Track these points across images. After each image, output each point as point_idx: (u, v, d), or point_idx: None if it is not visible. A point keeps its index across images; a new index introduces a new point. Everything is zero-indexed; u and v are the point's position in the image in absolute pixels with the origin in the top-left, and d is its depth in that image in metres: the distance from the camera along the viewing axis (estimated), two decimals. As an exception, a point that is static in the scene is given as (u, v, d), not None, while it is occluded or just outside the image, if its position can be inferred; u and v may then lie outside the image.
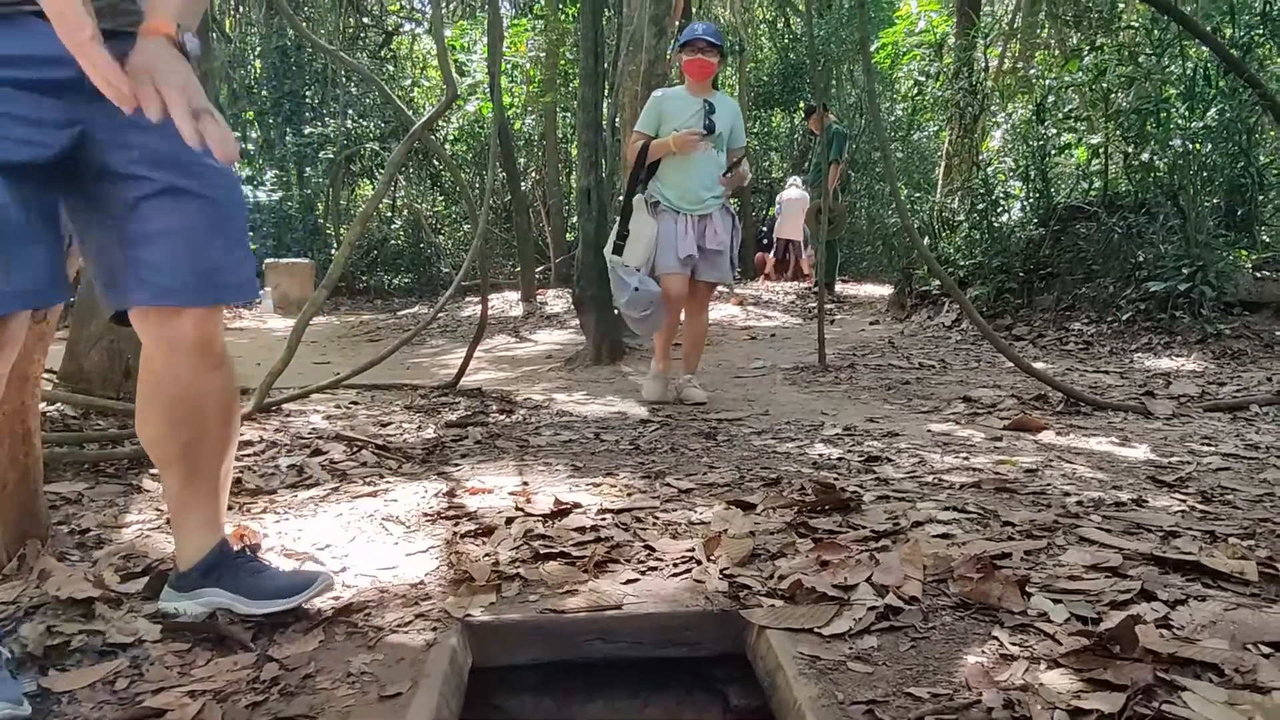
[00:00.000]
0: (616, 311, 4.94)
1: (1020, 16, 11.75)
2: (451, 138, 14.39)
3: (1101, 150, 6.88)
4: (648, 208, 4.05)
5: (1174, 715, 1.10)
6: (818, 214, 8.03)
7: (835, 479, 2.46)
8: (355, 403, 4.30)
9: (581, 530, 1.99)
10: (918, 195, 13.05)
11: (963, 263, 7.20)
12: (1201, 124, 6.05)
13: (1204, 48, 5.89)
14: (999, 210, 7.40)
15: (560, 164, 13.97)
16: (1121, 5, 8.07)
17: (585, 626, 1.52)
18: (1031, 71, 9.34)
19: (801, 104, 14.68)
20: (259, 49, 15.70)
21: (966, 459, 2.77)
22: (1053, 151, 7.25)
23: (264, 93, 15.16)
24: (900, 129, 14.19)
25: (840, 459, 2.82)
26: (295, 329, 3.67)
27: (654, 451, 3.07)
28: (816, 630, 1.42)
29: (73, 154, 1.29)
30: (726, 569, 1.71)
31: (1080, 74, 7.05)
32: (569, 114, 13.59)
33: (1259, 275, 5.72)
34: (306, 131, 14.30)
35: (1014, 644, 1.33)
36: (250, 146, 15.44)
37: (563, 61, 12.43)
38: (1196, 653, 1.24)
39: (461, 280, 5.24)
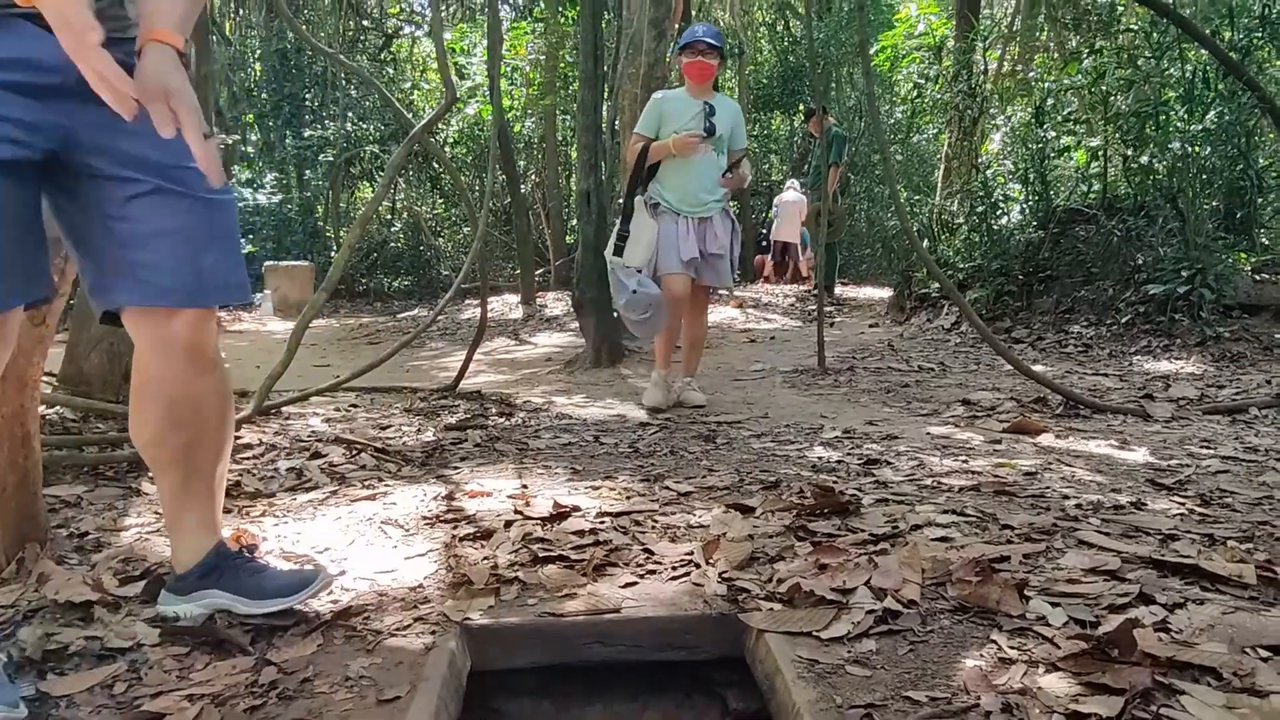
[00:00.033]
0: (616, 314, 4.93)
1: (1019, 19, 11.77)
2: (451, 140, 14.41)
3: (1100, 153, 6.88)
4: (647, 209, 4.04)
5: (1172, 719, 1.11)
6: (817, 217, 8.04)
7: (834, 482, 2.46)
8: (355, 405, 4.30)
9: (580, 533, 1.99)
10: (917, 198, 13.06)
11: (962, 265, 7.20)
12: (1200, 127, 6.06)
13: (1203, 51, 5.90)
14: (998, 213, 7.40)
15: (560, 167, 13.98)
16: (1120, 8, 8.08)
17: (584, 630, 1.52)
18: (1031, 74, 9.34)
19: (801, 107, 14.68)
20: (259, 52, 15.72)
21: (965, 462, 2.77)
22: (1052, 154, 7.26)
23: (264, 95, 15.18)
24: (900, 132, 14.20)
25: (839, 462, 2.82)
26: (295, 331, 3.67)
27: (653, 454, 3.07)
28: (815, 634, 1.42)
29: (58, 156, 1.29)
30: (725, 572, 1.71)
31: (1079, 77, 7.06)
32: (569, 117, 13.60)
33: (1258, 278, 5.72)
34: (306, 134, 14.31)
35: (1012, 647, 1.33)
36: (250, 149, 15.47)
37: (562, 64, 12.44)
38: (1195, 656, 1.24)
39: (461, 283, 5.24)
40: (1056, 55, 10.16)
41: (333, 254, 12.86)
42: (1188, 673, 1.21)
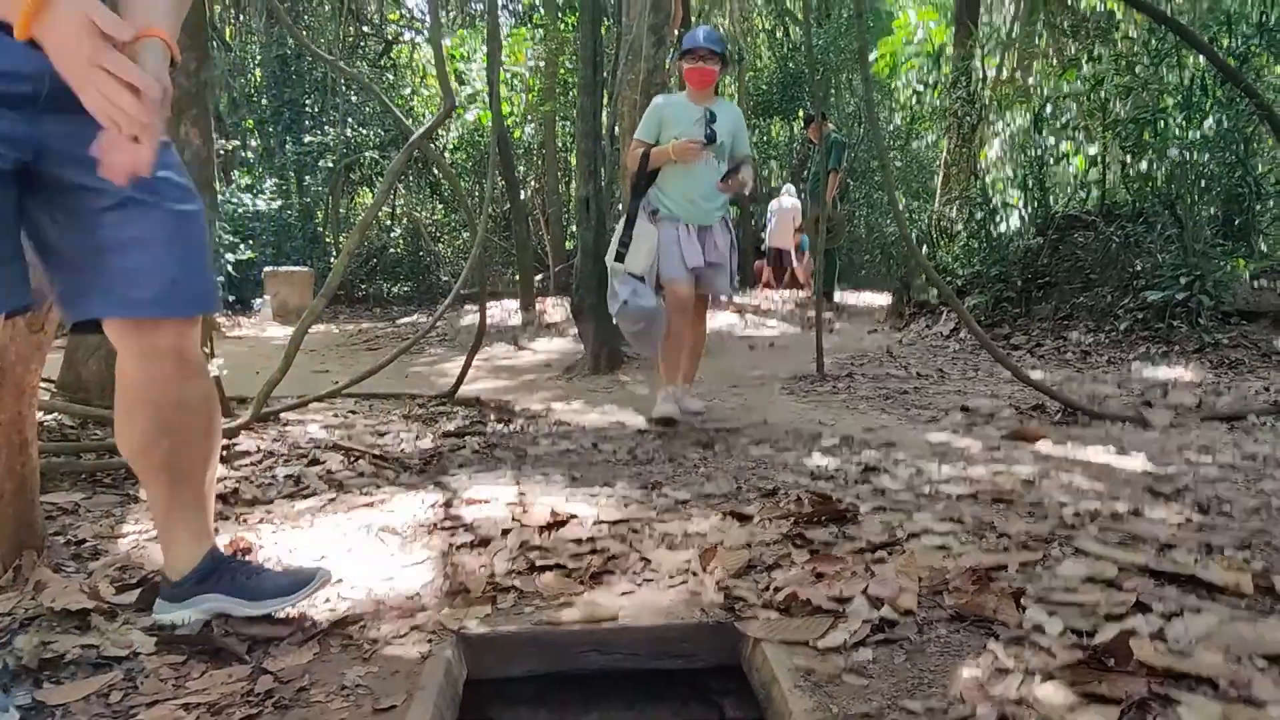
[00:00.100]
0: (615, 321, 4.92)
1: (1018, 26, 11.80)
2: (451, 146, 14.42)
3: (1099, 159, 6.90)
4: (647, 216, 4.02)
5: (1168, 729, 1.11)
6: (816, 223, 8.05)
7: (832, 490, 2.46)
8: (353, 412, 4.30)
9: (578, 541, 1.99)
10: (916, 204, 13.08)
11: (961, 272, 7.21)
12: (1199, 133, 6.08)
13: (1201, 58, 5.91)
14: (997, 219, 7.41)
15: (559, 173, 13.99)
16: (1119, 15, 8.10)
17: (581, 638, 1.52)
18: (1029, 81, 9.38)
19: (800, 113, 14.72)
20: (259, 58, 15.72)
21: (964, 469, 2.77)
22: (1050, 161, 7.27)
23: (264, 101, 15.19)
24: (899, 138, 14.23)
25: (838, 469, 2.82)
26: (294, 337, 3.67)
27: (651, 462, 3.07)
28: (812, 643, 1.42)
29: (29, 167, 1.29)
30: (722, 581, 1.71)
31: (1078, 83, 7.09)
32: (568, 123, 13.60)
33: (1256, 284, 5.74)
34: (306, 140, 14.32)
35: (1009, 657, 1.33)
36: (250, 154, 15.48)
37: (562, 70, 12.46)
38: (1191, 666, 1.24)
39: (460, 289, 5.25)
40: (1055, 62, 10.20)
41: (332, 259, 12.88)
42: (1184, 682, 1.21)
